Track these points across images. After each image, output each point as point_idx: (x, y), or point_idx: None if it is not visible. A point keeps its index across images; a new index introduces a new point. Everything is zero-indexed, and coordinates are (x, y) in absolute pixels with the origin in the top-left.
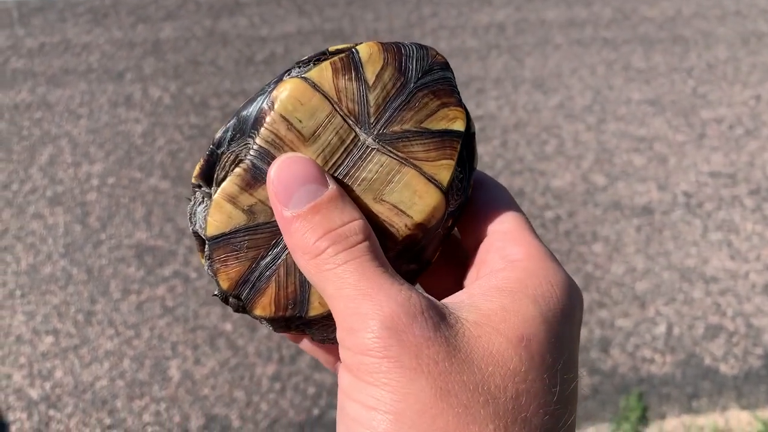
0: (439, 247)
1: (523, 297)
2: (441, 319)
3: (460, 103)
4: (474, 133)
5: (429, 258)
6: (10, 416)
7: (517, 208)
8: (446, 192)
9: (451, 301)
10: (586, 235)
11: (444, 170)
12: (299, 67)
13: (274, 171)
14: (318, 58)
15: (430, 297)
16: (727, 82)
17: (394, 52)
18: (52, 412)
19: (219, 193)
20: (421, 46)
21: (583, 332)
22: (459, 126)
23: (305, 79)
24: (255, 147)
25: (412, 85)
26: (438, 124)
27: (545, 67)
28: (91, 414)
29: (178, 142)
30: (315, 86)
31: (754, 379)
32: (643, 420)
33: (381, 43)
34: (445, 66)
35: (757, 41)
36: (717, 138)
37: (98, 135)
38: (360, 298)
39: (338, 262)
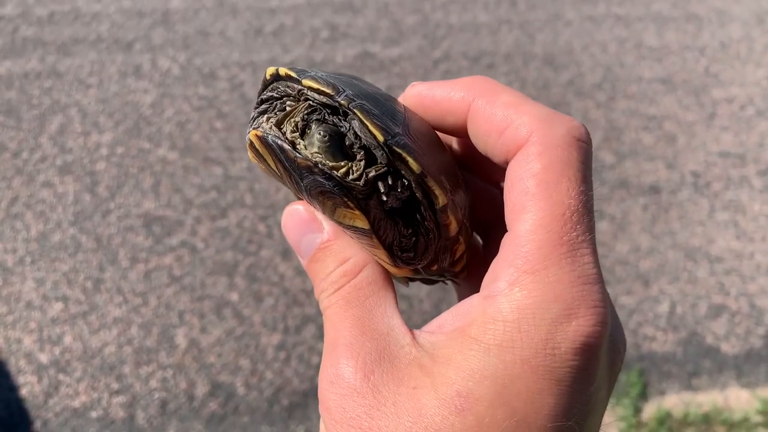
0: (457, 249)
1: (475, 347)
2: (382, 363)
3: (346, 203)
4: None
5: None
6: (21, 379)
7: (556, 191)
8: (395, 264)
9: (429, 329)
10: None
11: (380, 254)
12: (255, 107)
13: (283, 224)
14: (263, 98)
15: (398, 331)
16: (740, 62)
17: (269, 149)
18: (61, 377)
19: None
20: (281, 149)
21: None
22: (362, 224)
23: (251, 145)
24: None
25: (301, 184)
26: (345, 220)
27: (556, 43)
28: (99, 379)
29: (187, 113)
30: (258, 156)
31: (755, 359)
32: (643, 396)
33: (258, 137)
34: (309, 170)
35: None
36: (727, 118)
37: (107, 105)
38: (328, 344)
39: (326, 305)
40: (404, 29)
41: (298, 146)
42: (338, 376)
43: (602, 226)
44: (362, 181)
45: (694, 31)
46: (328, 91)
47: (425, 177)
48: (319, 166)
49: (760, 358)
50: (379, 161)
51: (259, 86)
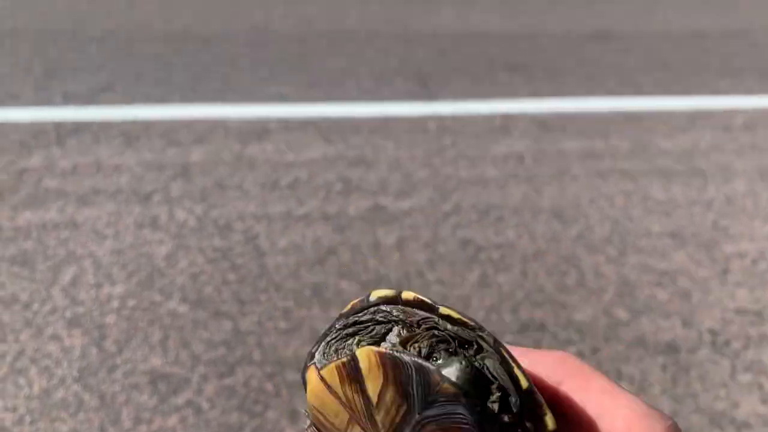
0: None
1: None
2: None
3: None
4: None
5: None
6: None
7: None
8: None
9: None
10: (611, 372)
11: None
12: (337, 330)
13: None
14: (358, 320)
15: None
16: (747, 216)
17: (392, 369)
18: None
19: None
20: (420, 369)
21: None
22: None
23: (322, 377)
24: (310, 421)
25: (417, 416)
26: None
27: (564, 197)
28: None
29: (200, 265)
30: (330, 388)
31: None
32: None
33: (378, 353)
34: (454, 397)
35: None
36: (741, 273)
37: (122, 256)
38: None
39: None
40: (415, 182)
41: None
42: None
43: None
44: (506, 416)
45: (699, 185)
46: (470, 323)
47: None
48: (465, 394)
49: None
50: (512, 409)
51: (348, 307)
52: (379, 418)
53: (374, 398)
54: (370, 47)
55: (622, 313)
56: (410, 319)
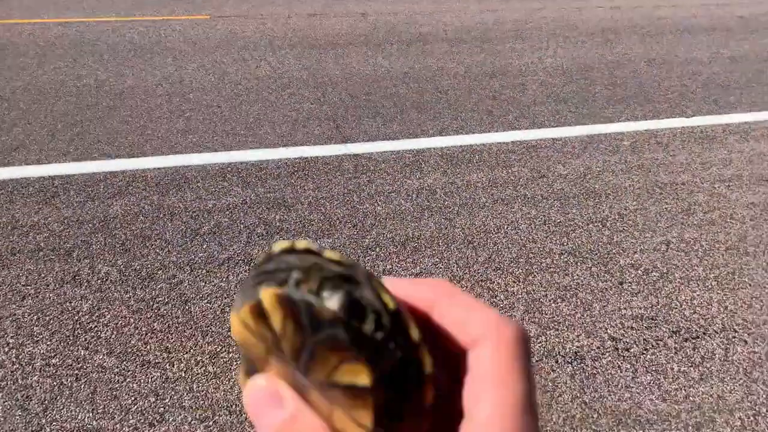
0: (424, 424)
1: None
2: None
3: (357, 357)
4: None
5: None
6: None
7: (509, 383)
8: (374, 430)
9: None
10: None
11: (364, 417)
12: (252, 279)
13: (244, 399)
14: (266, 269)
15: None
16: (638, 230)
17: (288, 305)
18: None
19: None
20: (306, 303)
21: None
22: (363, 380)
23: (240, 318)
24: (242, 355)
25: (309, 341)
26: (344, 378)
27: (473, 225)
28: None
29: (125, 317)
30: (247, 327)
31: None
32: None
33: (276, 295)
34: (333, 321)
35: (660, 191)
36: (635, 283)
37: (43, 314)
38: None
39: None
40: (335, 220)
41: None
42: None
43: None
44: (379, 334)
45: (594, 205)
46: (348, 262)
47: (420, 345)
48: (343, 317)
49: None
50: (384, 328)
51: (258, 262)
52: (284, 345)
53: (279, 330)
54: (283, 93)
55: (531, 328)
56: (304, 264)
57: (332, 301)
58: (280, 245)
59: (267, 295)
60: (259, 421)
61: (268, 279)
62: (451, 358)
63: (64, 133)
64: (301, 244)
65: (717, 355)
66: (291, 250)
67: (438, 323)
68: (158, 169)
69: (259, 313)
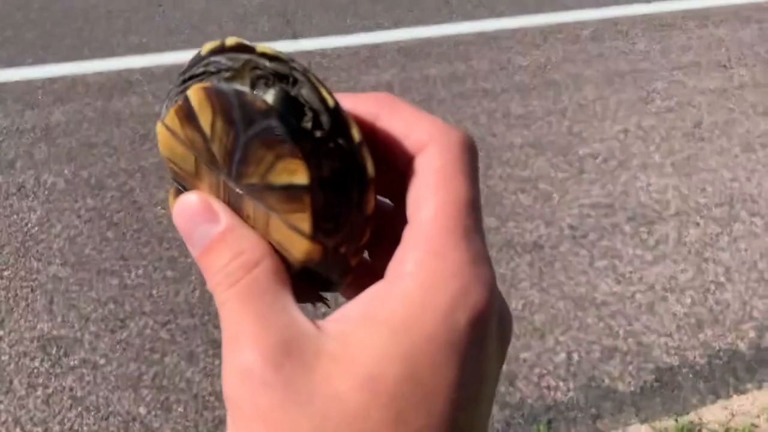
0: (366, 232)
1: (385, 329)
2: (291, 356)
3: (295, 152)
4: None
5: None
6: None
7: (453, 184)
8: (313, 237)
9: (333, 319)
10: None
11: (301, 222)
12: (176, 86)
13: (174, 217)
14: (193, 73)
15: (302, 323)
16: (598, 120)
17: (217, 99)
18: None
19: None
20: (238, 92)
21: None
22: (301, 179)
23: (166, 126)
24: (171, 177)
25: (242, 138)
26: (279, 177)
27: None
28: None
29: (77, 227)
30: (174, 134)
31: (649, 394)
32: None
33: (204, 89)
34: (268, 113)
35: (620, 80)
36: (594, 172)
37: None
38: (229, 340)
39: (223, 299)
40: None
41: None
42: (248, 372)
43: None
44: (318, 133)
45: (554, 96)
46: (283, 57)
47: (362, 146)
48: (279, 109)
49: (653, 392)
50: (323, 126)
51: (185, 67)
52: (215, 148)
53: (208, 131)
54: None
55: (491, 221)
56: (236, 65)
57: (267, 95)
58: (208, 45)
59: (194, 91)
60: (191, 238)
61: (195, 81)
62: (396, 170)
63: None
64: (231, 40)
65: (671, 238)
66: (221, 50)
67: (382, 133)
68: (99, 73)
69: (187, 114)
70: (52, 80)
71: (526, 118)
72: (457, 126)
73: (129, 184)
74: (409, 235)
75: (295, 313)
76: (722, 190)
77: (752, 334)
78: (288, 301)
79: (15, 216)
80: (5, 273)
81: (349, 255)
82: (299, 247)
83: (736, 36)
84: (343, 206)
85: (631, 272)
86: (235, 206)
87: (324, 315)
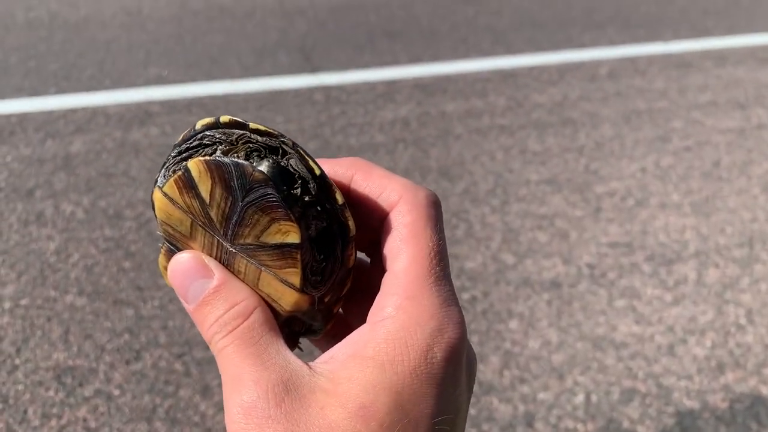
0: (347, 283)
1: (372, 364)
2: (290, 392)
3: (288, 216)
4: (342, 207)
5: (329, 313)
6: None
7: (423, 237)
8: (302, 289)
9: (322, 361)
10: (502, 313)
11: (292, 276)
12: (173, 157)
13: (169, 274)
14: (189, 146)
15: (295, 364)
16: (615, 158)
17: (216, 170)
18: None
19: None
20: (237, 164)
21: (508, 409)
22: (293, 239)
23: (164, 193)
24: (164, 238)
25: (240, 204)
26: (273, 238)
27: (449, 156)
28: None
29: (94, 256)
30: (172, 201)
31: None
32: None
33: (204, 162)
34: (264, 182)
35: (637, 118)
36: (611, 210)
37: (9, 256)
38: (230, 382)
39: (221, 346)
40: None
41: None
42: (252, 407)
43: (513, 325)
44: (307, 198)
45: (571, 134)
46: (274, 132)
47: (344, 208)
48: (273, 179)
49: None
50: (311, 192)
51: (179, 140)
52: (213, 213)
53: (207, 198)
54: (248, 22)
55: (508, 258)
56: (230, 138)
57: (262, 166)
58: (202, 121)
59: (194, 163)
60: (187, 294)
61: (192, 155)
62: (369, 226)
63: (17, 68)
64: (226, 118)
65: (690, 279)
66: (215, 125)
67: (357, 195)
68: (120, 104)
69: (186, 183)
70: (73, 111)
71: (542, 155)
72: (421, 186)
73: (146, 215)
74: (387, 283)
75: (288, 355)
76: (742, 230)
77: None
78: (281, 344)
79: (33, 245)
80: (23, 302)
81: (332, 304)
82: (289, 299)
83: (754, 76)
84: (328, 261)
85: (650, 313)
86: (226, 263)
87: (311, 358)
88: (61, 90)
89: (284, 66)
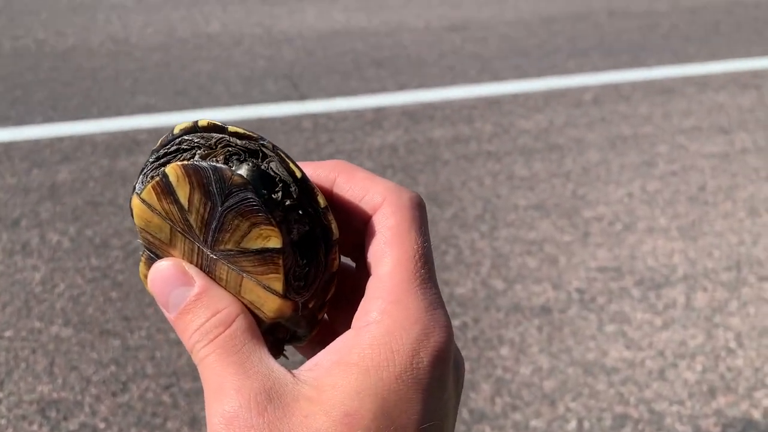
0: (331, 288)
1: (356, 370)
2: (273, 401)
3: (269, 220)
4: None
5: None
6: None
7: (407, 239)
8: (285, 295)
9: (306, 368)
10: (493, 339)
11: (274, 282)
12: (151, 163)
13: (149, 282)
14: (167, 151)
15: (279, 372)
16: (602, 183)
17: (195, 175)
18: None
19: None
20: (215, 169)
21: None
22: (274, 243)
23: (142, 200)
24: (143, 246)
25: (219, 209)
26: (254, 243)
27: (437, 182)
28: None
29: (80, 286)
30: (151, 207)
31: None
32: None
33: (181, 166)
34: (243, 186)
35: (622, 143)
36: (599, 235)
37: None
38: (212, 391)
39: (202, 355)
40: None
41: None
42: (234, 417)
43: (504, 351)
44: (288, 201)
45: (557, 159)
46: (254, 135)
47: (327, 211)
48: (253, 183)
49: None
50: (292, 195)
51: (156, 145)
52: (192, 218)
53: (186, 204)
54: (236, 51)
55: (498, 284)
56: (208, 142)
57: (241, 170)
58: (180, 125)
59: (172, 168)
60: (167, 302)
61: (171, 160)
62: (352, 229)
63: (4, 97)
64: (204, 121)
65: (679, 303)
66: (193, 129)
67: (340, 198)
68: (107, 132)
69: (164, 188)
70: (59, 139)
71: (530, 180)
72: (406, 187)
73: (133, 244)
74: (371, 287)
75: (271, 363)
76: (729, 254)
77: (766, 402)
78: (264, 352)
79: (18, 275)
80: (6, 333)
81: (316, 310)
82: (272, 305)
83: (736, 101)
84: (311, 266)
85: (640, 337)
86: (207, 270)
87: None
88: (47, 119)
89: (272, 94)
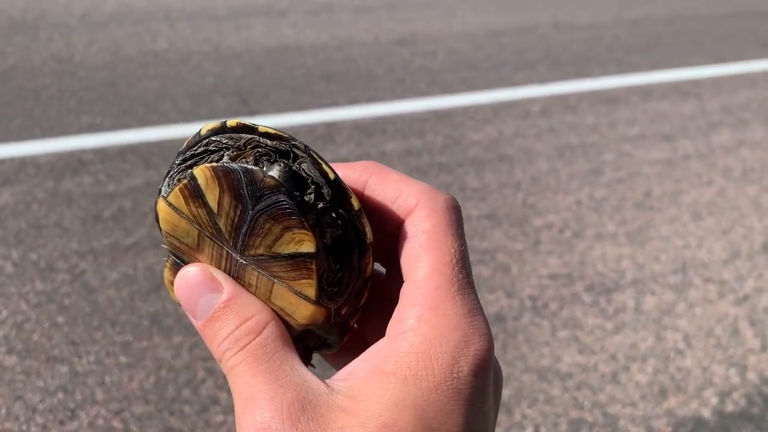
0: (364, 294)
1: (393, 380)
2: (306, 411)
3: (302, 224)
4: (358, 213)
5: (345, 325)
6: None
7: (444, 243)
8: (318, 301)
9: (340, 377)
10: None
11: (307, 288)
12: (177, 165)
13: (176, 289)
14: (194, 153)
15: (312, 381)
16: (551, 191)
17: (224, 177)
18: None
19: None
20: (246, 170)
21: None
22: (308, 248)
23: (169, 203)
24: (168, 251)
25: (250, 212)
26: (287, 248)
27: None
28: None
29: (24, 312)
30: (178, 211)
31: None
32: None
33: (211, 168)
34: (276, 189)
35: (570, 152)
36: (550, 242)
37: None
38: (243, 401)
39: (232, 364)
40: None
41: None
42: (266, 428)
43: None
44: (321, 204)
45: (508, 170)
46: (285, 135)
47: (360, 214)
48: (285, 185)
49: None
50: (325, 198)
51: (183, 148)
52: (221, 222)
53: (215, 207)
54: (183, 68)
55: None
56: (237, 143)
57: (272, 170)
58: (207, 126)
59: (200, 170)
60: (195, 309)
61: (198, 162)
62: (385, 232)
63: None
64: (233, 121)
65: (629, 307)
66: (221, 130)
67: (372, 200)
68: (51, 153)
69: (192, 192)
70: (0, 161)
71: (481, 191)
72: (440, 190)
73: (80, 267)
74: (406, 292)
75: (303, 372)
76: (675, 257)
77: (714, 400)
78: (296, 361)
79: None
80: None
81: (349, 317)
82: (304, 312)
83: (677, 109)
84: (345, 271)
85: (593, 342)
86: (236, 276)
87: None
88: None
89: (221, 110)
